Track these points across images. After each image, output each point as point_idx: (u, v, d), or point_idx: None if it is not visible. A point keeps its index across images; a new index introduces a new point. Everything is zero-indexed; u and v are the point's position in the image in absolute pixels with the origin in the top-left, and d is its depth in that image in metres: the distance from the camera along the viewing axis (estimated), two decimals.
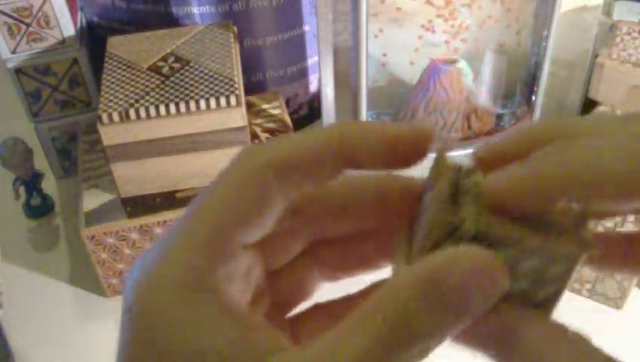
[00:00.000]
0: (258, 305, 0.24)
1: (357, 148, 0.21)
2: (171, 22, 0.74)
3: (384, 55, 0.72)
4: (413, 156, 0.21)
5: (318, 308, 0.25)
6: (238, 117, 0.62)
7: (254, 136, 0.72)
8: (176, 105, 0.61)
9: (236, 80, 0.63)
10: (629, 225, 0.64)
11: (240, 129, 0.63)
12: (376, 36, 0.68)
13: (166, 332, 0.18)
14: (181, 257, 0.19)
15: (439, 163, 0.22)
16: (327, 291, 0.26)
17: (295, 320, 0.25)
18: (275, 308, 0.25)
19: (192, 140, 0.63)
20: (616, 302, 0.63)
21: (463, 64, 0.70)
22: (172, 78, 0.64)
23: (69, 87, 0.76)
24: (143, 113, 0.61)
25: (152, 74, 0.65)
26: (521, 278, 0.20)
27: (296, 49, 0.80)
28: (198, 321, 0.18)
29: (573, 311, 0.68)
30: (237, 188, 0.20)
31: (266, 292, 0.24)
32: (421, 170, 0.23)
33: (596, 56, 0.71)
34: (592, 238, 0.20)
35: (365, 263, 0.25)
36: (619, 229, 0.65)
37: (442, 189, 0.21)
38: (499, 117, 0.75)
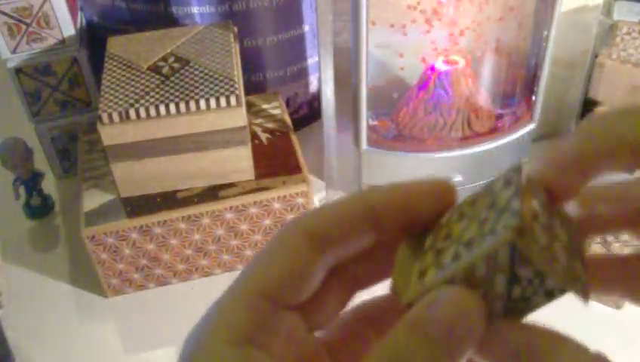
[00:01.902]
0: None
1: (383, 216, 0.23)
2: (171, 22, 0.74)
3: (384, 55, 0.72)
4: (438, 212, 0.24)
5: None
6: (238, 117, 0.62)
7: (254, 136, 0.72)
8: (176, 105, 0.61)
9: (236, 80, 0.63)
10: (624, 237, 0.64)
11: (240, 129, 0.63)
12: (375, 37, 0.68)
13: None
14: (230, 317, 0.22)
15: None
16: None
17: None
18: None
19: (192, 140, 0.63)
20: (616, 302, 0.63)
21: (462, 64, 0.70)
22: (172, 78, 0.64)
23: (69, 87, 0.76)
24: (143, 113, 0.61)
25: (152, 74, 0.65)
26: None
27: (296, 49, 0.80)
28: None
29: (574, 311, 0.68)
30: (276, 256, 0.23)
31: (321, 356, 0.25)
32: None
33: (596, 56, 0.71)
34: (583, 274, 0.21)
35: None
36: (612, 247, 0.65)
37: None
38: (499, 117, 0.75)
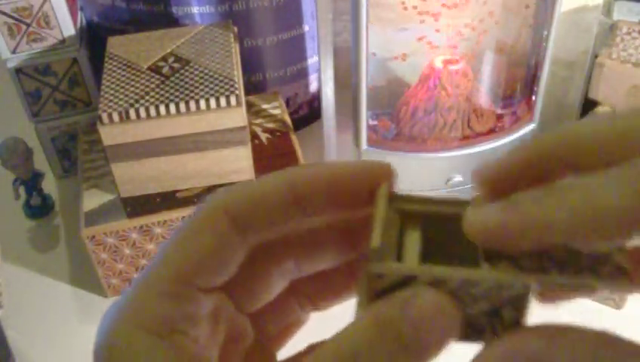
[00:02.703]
0: (238, 344, 0.24)
1: (306, 195, 0.22)
2: (171, 22, 0.74)
3: (384, 55, 0.72)
4: (363, 197, 0.22)
5: (312, 348, 0.25)
6: (238, 117, 0.62)
7: (254, 136, 0.72)
8: (176, 105, 0.61)
9: (236, 80, 0.63)
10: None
11: (240, 129, 0.63)
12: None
13: None
14: (145, 304, 0.21)
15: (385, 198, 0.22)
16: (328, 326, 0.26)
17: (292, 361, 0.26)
18: (263, 347, 0.25)
19: (192, 140, 0.63)
20: (616, 302, 0.63)
21: (463, 64, 0.70)
22: (172, 78, 0.64)
23: (69, 87, 0.76)
24: (143, 113, 0.61)
25: (152, 74, 0.65)
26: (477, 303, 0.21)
27: (296, 49, 0.80)
28: None
29: (574, 311, 0.68)
30: (195, 237, 0.21)
31: (245, 332, 0.25)
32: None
33: (596, 56, 0.71)
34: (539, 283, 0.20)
35: (346, 291, 0.26)
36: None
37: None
38: (499, 117, 0.75)
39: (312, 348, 0.25)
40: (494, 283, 0.20)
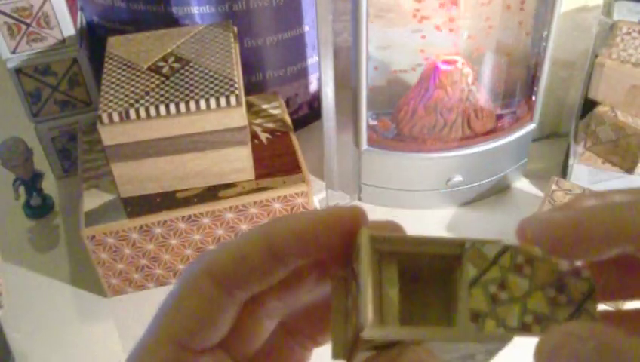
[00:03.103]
0: None
1: (283, 250, 0.22)
2: (171, 22, 0.74)
3: (384, 55, 0.72)
4: (336, 244, 0.22)
5: None
6: (238, 117, 0.62)
7: (254, 136, 0.72)
8: (176, 105, 0.61)
9: (236, 80, 0.63)
10: None
11: (240, 129, 0.63)
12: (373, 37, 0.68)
13: None
14: None
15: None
16: None
17: None
18: None
19: (192, 140, 0.63)
20: (616, 302, 0.63)
21: (463, 64, 0.70)
22: (172, 78, 0.64)
23: (69, 87, 0.76)
24: (143, 113, 0.61)
25: (152, 74, 0.65)
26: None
27: (296, 49, 0.80)
28: None
29: None
30: (184, 303, 0.22)
31: None
32: None
33: (596, 56, 0.71)
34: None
35: None
36: None
37: None
38: (499, 117, 0.75)
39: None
40: (475, 344, 0.21)
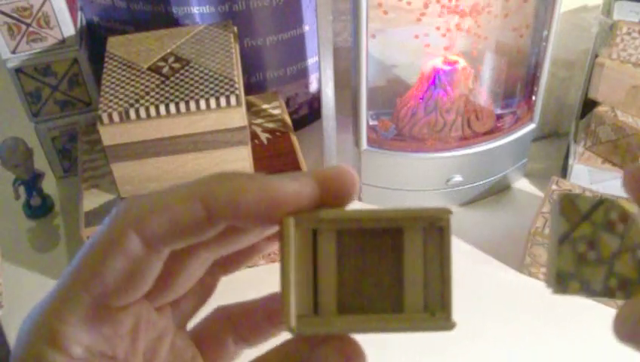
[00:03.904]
0: (162, 341, 0.24)
1: (219, 214, 0.21)
2: (171, 22, 0.74)
3: (384, 55, 0.72)
4: (272, 217, 0.21)
5: (220, 310, 0.26)
6: (238, 117, 0.62)
7: (254, 136, 0.72)
8: (176, 105, 0.61)
9: (236, 80, 0.63)
10: None
11: (240, 129, 0.63)
12: (374, 36, 0.68)
13: None
14: (63, 328, 0.21)
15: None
16: None
17: None
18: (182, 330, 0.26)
19: (192, 140, 0.63)
20: (617, 302, 0.63)
21: (463, 64, 0.70)
22: (172, 78, 0.64)
23: (69, 87, 0.76)
24: (143, 113, 0.61)
25: (152, 74, 0.65)
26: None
27: (296, 49, 0.80)
28: None
29: (574, 310, 0.68)
30: (107, 260, 0.21)
31: (167, 329, 0.24)
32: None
33: (596, 56, 0.71)
34: None
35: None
36: None
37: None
38: (499, 117, 0.75)
39: (219, 311, 0.26)
40: (412, 329, 0.20)
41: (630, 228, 0.21)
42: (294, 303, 0.20)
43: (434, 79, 0.70)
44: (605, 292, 0.21)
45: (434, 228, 0.21)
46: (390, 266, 0.21)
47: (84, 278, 0.21)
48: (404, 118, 0.72)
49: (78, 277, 0.21)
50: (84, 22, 0.80)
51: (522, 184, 0.79)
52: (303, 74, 0.83)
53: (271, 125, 0.74)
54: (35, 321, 0.21)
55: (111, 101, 0.61)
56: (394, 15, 0.68)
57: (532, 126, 0.74)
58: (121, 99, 0.62)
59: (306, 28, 0.79)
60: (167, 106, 0.61)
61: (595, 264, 0.21)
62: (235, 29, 0.72)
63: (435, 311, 0.20)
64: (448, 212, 0.21)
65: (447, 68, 0.69)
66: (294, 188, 0.21)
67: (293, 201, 0.21)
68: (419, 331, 0.20)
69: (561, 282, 0.21)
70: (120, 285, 0.21)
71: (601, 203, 0.21)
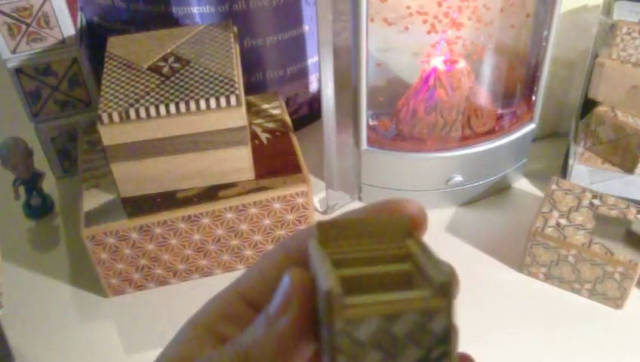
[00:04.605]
0: None
1: (255, 301, 0.24)
2: (171, 22, 0.74)
3: (384, 55, 0.72)
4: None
5: None
6: (238, 117, 0.62)
7: (254, 136, 0.72)
8: (176, 105, 0.61)
9: (236, 80, 0.63)
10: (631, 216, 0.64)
11: (240, 129, 0.63)
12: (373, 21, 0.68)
13: None
14: None
15: None
16: None
17: None
18: None
19: (192, 140, 0.63)
20: (616, 302, 0.63)
21: (463, 64, 0.70)
22: (172, 78, 0.64)
23: (69, 87, 0.76)
24: (143, 113, 0.61)
25: (152, 74, 0.65)
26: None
27: (296, 49, 0.80)
28: None
29: (574, 310, 0.68)
30: (179, 351, 0.24)
31: None
32: None
33: (596, 56, 0.71)
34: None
35: None
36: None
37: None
38: (499, 117, 0.75)
39: None
40: (417, 310, 0.19)
41: None
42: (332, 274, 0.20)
43: (434, 79, 0.70)
44: None
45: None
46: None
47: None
48: (404, 118, 0.72)
49: None
50: (84, 22, 0.80)
51: (522, 184, 0.79)
52: (303, 74, 0.83)
53: (271, 125, 0.74)
54: None
55: (111, 101, 0.61)
56: (395, 15, 0.68)
57: (532, 126, 0.74)
58: (121, 99, 0.62)
59: (306, 28, 0.79)
60: (167, 106, 0.61)
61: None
62: (235, 29, 0.72)
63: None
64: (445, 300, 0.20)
65: (447, 68, 0.69)
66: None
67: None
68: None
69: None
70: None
71: None
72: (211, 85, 0.63)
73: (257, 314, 0.23)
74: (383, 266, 0.22)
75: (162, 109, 0.61)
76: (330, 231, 0.23)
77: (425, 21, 0.67)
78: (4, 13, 0.69)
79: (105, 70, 0.66)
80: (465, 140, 0.72)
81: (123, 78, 0.65)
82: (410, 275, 0.22)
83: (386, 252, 0.22)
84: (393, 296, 0.19)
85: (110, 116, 0.60)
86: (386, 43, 0.70)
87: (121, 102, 0.61)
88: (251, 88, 0.80)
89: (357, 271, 0.22)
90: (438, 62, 0.70)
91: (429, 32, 0.68)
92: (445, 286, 0.19)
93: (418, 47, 0.70)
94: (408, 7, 0.66)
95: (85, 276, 0.70)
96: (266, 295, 0.23)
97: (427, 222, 0.23)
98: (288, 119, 0.75)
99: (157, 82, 0.64)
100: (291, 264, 0.23)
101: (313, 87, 0.85)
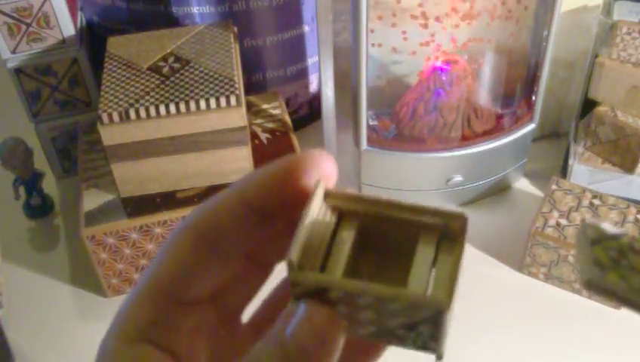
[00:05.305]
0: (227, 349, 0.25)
1: (256, 203, 0.23)
2: (171, 22, 0.74)
3: (384, 55, 0.72)
4: (294, 195, 0.22)
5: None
6: (238, 117, 0.62)
7: (254, 136, 0.72)
8: (176, 105, 0.61)
9: (236, 80, 0.63)
10: (628, 226, 0.64)
11: (240, 129, 0.63)
12: (375, 36, 0.68)
13: None
14: (127, 316, 0.24)
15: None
16: None
17: None
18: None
19: (192, 140, 0.63)
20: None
21: (463, 64, 0.70)
22: (172, 78, 0.64)
23: (69, 87, 0.76)
24: (143, 113, 0.61)
25: (152, 74, 0.65)
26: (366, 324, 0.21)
27: (296, 49, 0.80)
28: None
29: (574, 310, 0.68)
30: (167, 257, 0.23)
31: (244, 343, 0.25)
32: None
33: (596, 56, 0.71)
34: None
35: None
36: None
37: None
38: (499, 117, 0.75)
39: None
40: (408, 303, 0.20)
41: None
42: (301, 243, 0.20)
43: (434, 79, 0.70)
44: None
45: (449, 233, 0.21)
46: (399, 263, 0.22)
47: (150, 274, 0.23)
48: (404, 118, 0.72)
49: (145, 276, 0.23)
50: (84, 22, 0.80)
51: (522, 184, 0.79)
52: (303, 74, 0.83)
53: (271, 125, 0.74)
54: (116, 317, 0.24)
55: (111, 101, 0.61)
56: (394, 15, 0.68)
57: (532, 126, 0.74)
58: (121, 99, 0.62)
59: (306, 28, 0.79)
60: (167, 106, 0.61)
61: (630, 268, 0.20)
62: (235, 29, 0.72)
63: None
64: (464, 219, 0.21)
65: (447, 68, 0.69)
66: (306, 159, 0.23)
67: (318, 169, 0.22)
68: (414, 307, 0.20)
69: (600, 270, 0.19)
70: (173, 277, 0.23)
71: (626, 235, 0.21)
72: (211, 85, 0.63)
73: (258, 220, 0.23)
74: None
75: (162, 109, 0.61)
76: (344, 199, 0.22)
77: (424, 25, 0.67)
78: (4, 13, 0.69)
79: (105, 70, 0.66)
80: (465, 140, 0.72)
81: (123, 78, 0.65)
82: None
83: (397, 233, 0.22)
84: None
85: (110, 116, 0.60)
86: (385, 43, 0.70)
87: (121, 102, 0.61)
88: (251, 88, 0.80)
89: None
90: (438, 62, 0.70)
91: (427, 32, 0.68)
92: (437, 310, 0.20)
93: (418, 47, 0.70)
94: (409, 7, 0.66)
95: (85, 276, 0.70)
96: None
97: (334, 173, 0.23)
98: (288, 119, 0.75)
99: (157, 82, 0.64)
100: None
101: (313, 87, 0.85)
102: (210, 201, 0.23)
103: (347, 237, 0.22)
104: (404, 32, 0.69)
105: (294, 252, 0.20)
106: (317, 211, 0.21)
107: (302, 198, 0.22)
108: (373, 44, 0.67)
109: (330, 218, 0.22)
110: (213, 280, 0.23)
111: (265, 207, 0.23)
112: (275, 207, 0.23)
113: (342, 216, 0.22)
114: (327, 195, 0.22)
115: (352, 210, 0.22)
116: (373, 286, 0.20)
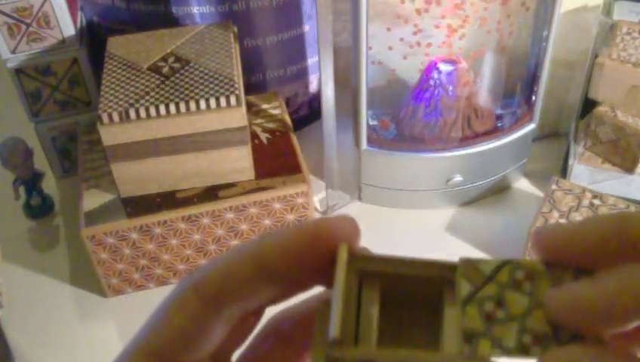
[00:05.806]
0: None
1: (269, 267, 0.22)
2: (171, 22, 0.74)
3: (384, 55, 0.72)
4: (326, 260, 0.22)
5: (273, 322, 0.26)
6: (238, 117, 0.62)
7: (254, 136, 0.72)
8: (176, 105, 0.61)
9: (236, 80, 0.63)
10: None
11: (240, 129, 0.63)
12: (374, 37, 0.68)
13: None
14: None
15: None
16: None
17: None
18: None
19: (192, 140, 0.63)
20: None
21: (463, 64, 0.70)
22: (172, 78, 0.64)
23: (69, 87, 0.76)
24: (143, 113, 0.61)
25: (152, 74, 0.65)
26: None
27: (296, 49, 0.80)
28: None
29: None
30: (167, 318, 0.22)
31: None
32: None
33: (596, 56, 0.71)
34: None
35: None
36: None
37: None
38: (499, 117, 0.75)
39: (268, 327, 0.26)
40: None
41: (539, 286, 0.21)
42: (340, 319, 0.20)
43: (434, 79, 0.70)
44: (520, 349, 0.20)
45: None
46: (423, 318, 0.22)
47: (147, 334, 0.22)
48: (404, 118, 0.72)
49: (142, 335, 0.22)
50: (84, 22, 0.80)
51: (522, 184, 0.79)
52: (303, 74, 0.83)
53: (271, 125, 0.74)
54: None
55: (111, 101, 0.61)
56: (394, 15, 0.68)
57: (532, 126, 0.74)
58: (121, 99, 0.62)
59: (306, 28, 0.79)
60: (167, 106, 0.61)
61: (505, 322, 0.20)
62: (235, 29, 0.72)
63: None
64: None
65: (447, 68, 0.69)
66: (331, 224, 0.22)
67: (344, 234, 0.22)
68: None
69: (470, 341, 0.20)
70: (179, 342, 0.22)
71: (505, 264, 0.21)
72: (211, 85, 0.63)
73: (268, 285, 0.22)
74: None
75: (162, 109, 0.61)
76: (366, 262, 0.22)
77: (426, 21, 0.67)
78: (4, 13, 0.69)
79: (105, 70, 0.66)
80: (465, 140, 0.72)
81: (123, 78, 0.65)
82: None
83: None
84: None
85: (110, 116, 0.60)
86: (386, 43, 0.70)
87: (121, 102, 0.61)
88: (251, 88, 0.80)
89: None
90: (438, 61, 0.70)
91: (429, 32, 0.68)
92: None
93: (418, 47, 0.70)
94: (409, 7, 0.66)
95: (85, 276, 0.70)
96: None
97: (359, 234, 0.22)
98: (288, 119, 0.75)
99: (157, 82, 0.64)
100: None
101: (313, 87, 0.85)
102: (218, 262, 0.22)
103: (373, 299, 0.21)
104: (404, 33, 0.69)
105: (336, 330, 0.19)
106: (344, 278, 0.21)
107: (323, 263, 0.21)
108: (370, 47, 0.67)
109: (353, 281, 0.22)
110: (214, 343, 0.22)
111: (285, 272, 0.22)
112: (297, 272, 0.22)
113: (362, 276, 0.22)
114: (351, 260, 0.22)
115: (373, 271, 0.22)
116: (416, 354, 0.19)
